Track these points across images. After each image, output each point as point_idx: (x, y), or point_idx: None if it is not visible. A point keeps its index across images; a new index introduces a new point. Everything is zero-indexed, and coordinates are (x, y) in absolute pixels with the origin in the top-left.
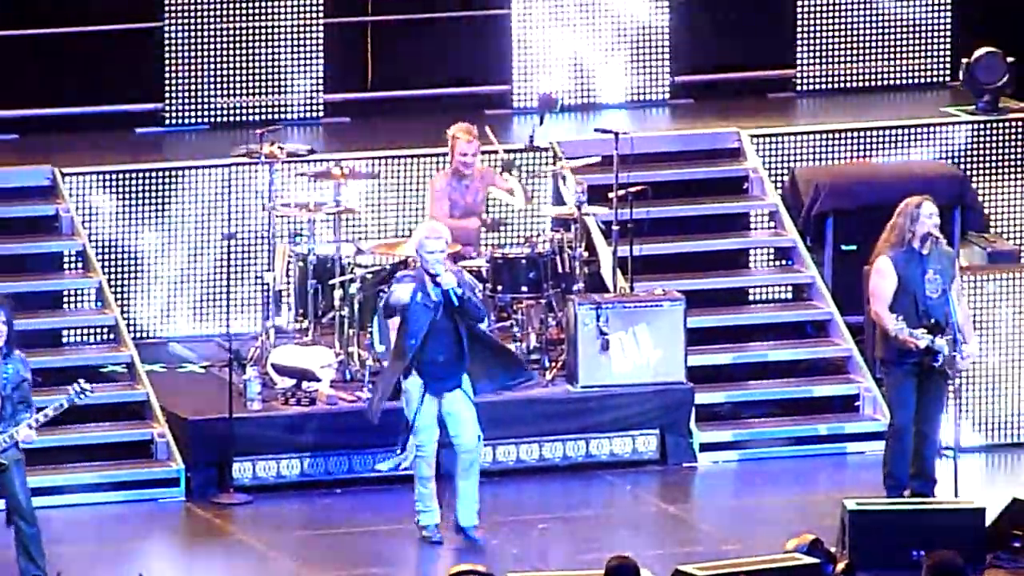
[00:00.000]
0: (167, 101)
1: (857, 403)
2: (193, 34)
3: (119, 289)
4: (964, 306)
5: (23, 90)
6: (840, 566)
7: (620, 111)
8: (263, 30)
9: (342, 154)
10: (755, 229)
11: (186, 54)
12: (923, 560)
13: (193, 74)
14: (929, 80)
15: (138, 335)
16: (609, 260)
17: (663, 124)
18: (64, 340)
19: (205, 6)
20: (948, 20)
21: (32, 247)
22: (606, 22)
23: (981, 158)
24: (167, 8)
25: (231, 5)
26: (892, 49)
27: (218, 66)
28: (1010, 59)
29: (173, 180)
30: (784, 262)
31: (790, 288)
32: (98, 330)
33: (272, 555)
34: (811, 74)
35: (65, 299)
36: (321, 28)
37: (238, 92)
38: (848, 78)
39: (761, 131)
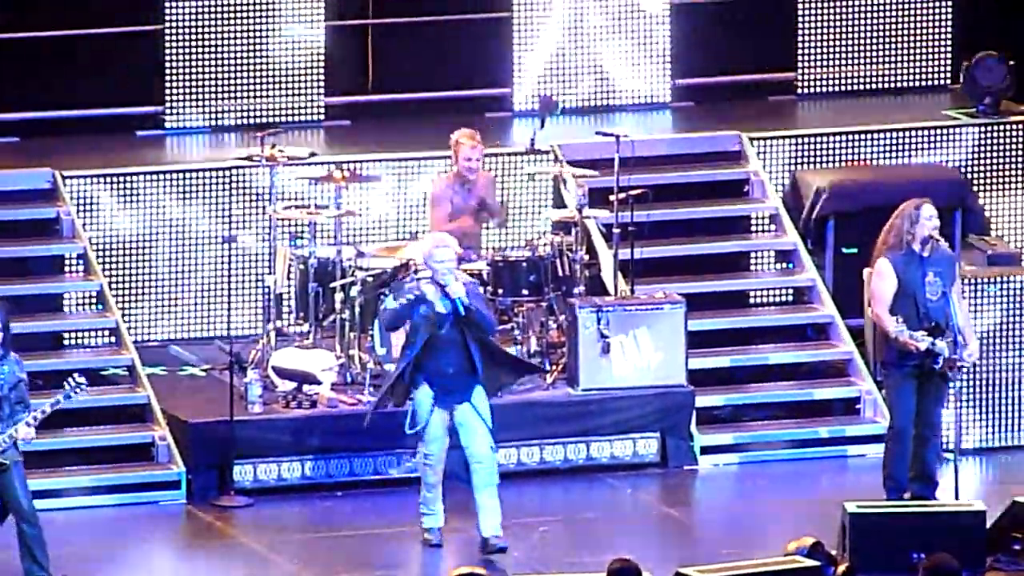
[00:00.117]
0: (168, 104)
1: (858, 406)
2: (194, 37)
3: (120, 292)
4: (964, 308)
5: (24, 93)
6: (840, 569)
7: (621, 114)
8: (264, 32)
9: (343, 157)
10: (756, 232)
11: (187, 57)
12: (920, 563)
13: (194, 77)
14: (930, 83)
15: (139, 338)
16: (610, 263)
17: (664, 127)
18: (65, 343)
19: (206, 9)
20: (949, 23)
21: (33, 250)
22: (607, 25)
23: (982, 161)
24: (168, 11)
25: (232, 8)
26: (893, 52)
27: (219, 69)
28: (1011, 62)
29: (174, 183)
30: (785, 265)
31: (791, 291)
32: (99, 333)
33: (273, 558)
34: (812, 77)
35: (66, 302)
36: (322, 30)
37: (239, 95)
38: (849, 81)
39: (762, 134)
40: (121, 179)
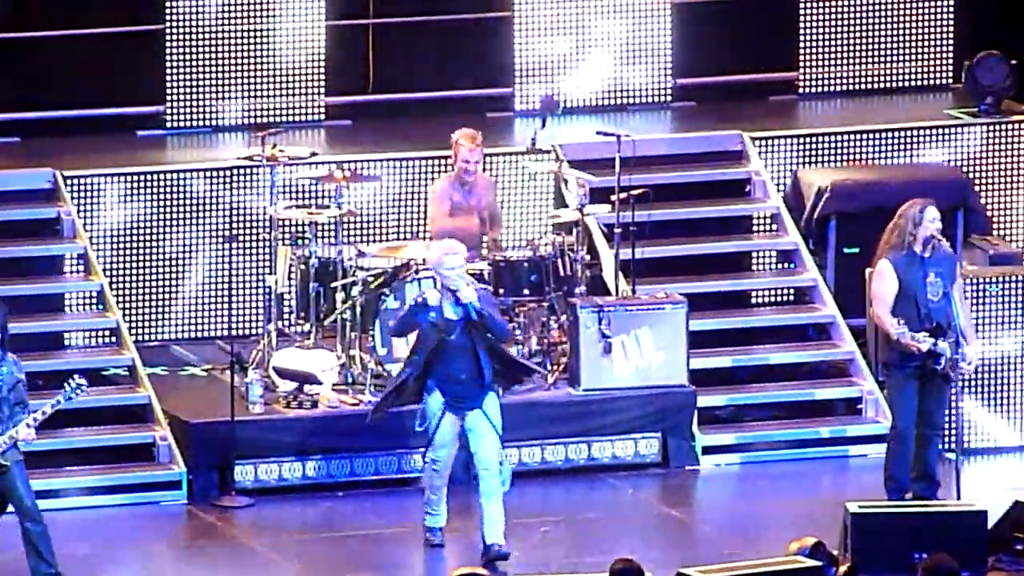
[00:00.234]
0: (168, 104)
1: (860, 406)
2: (194, 37)
3: (121, 292)
4: (966, 308)
5: (24, 93)
6: (842, 569)
7: (622, 114)
8: (264, 33)
9: (344, 157)
10: (757, 232)
11: (187, 57)
12: (918, 564)
13: (194, 77)
14: (932, 83)
15: (140, 338)
16: (611, 263)
17: (665, 127)
18: (65, 343)
19: (206, 8)
20: (951, 22)
21: (33, 250)
22: (608, 25)
23: (984, 161)
24: (168, 11)
25: (232, 7)
26: (895, 52)
27: (219, 69)
28: (1012, 61)
29: (174, 183)
30: (786, 265)
31: (792, 291)
32: (100, 333)
33: (274, 558)
34: (814, 77)
35: (67, 302)
36: (323, 30)
37: (239, 95)
38: (851, 81)
39: (763, 134)
40: (122, 179)
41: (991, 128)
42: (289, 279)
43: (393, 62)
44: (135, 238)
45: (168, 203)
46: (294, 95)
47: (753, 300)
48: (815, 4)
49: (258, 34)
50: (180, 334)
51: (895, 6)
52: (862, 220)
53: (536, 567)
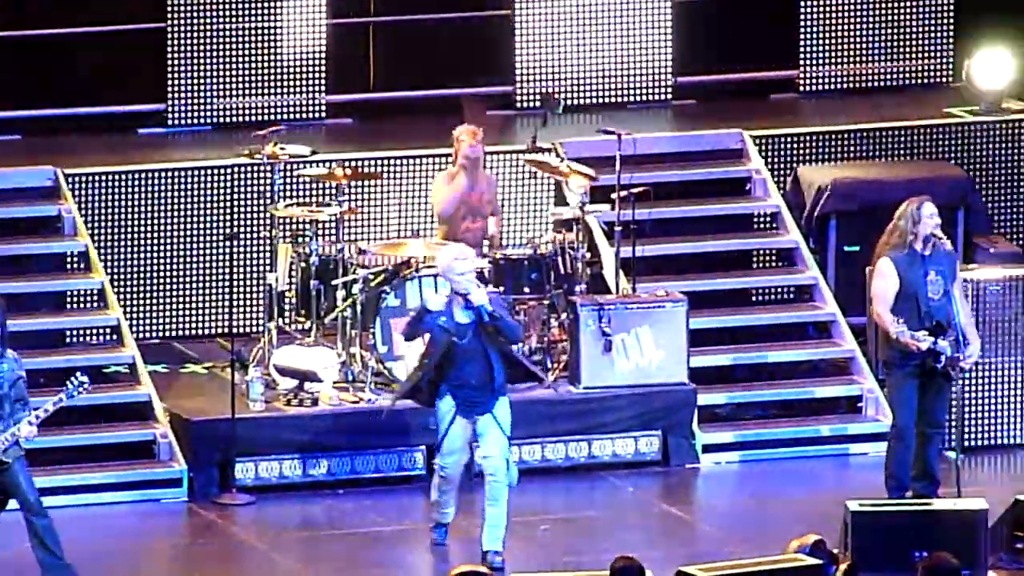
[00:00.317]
0: (170, 102)
1: (860, 404)
2: (196, 35)
3: (121, 290)
4: (967, 307)
5: (25, 91)
6: (842, 567)
7: (623, 112)
8: (266, 31)
9: (345, 155)
10: (757, 230)
11: (189, 55)
12: (918, 563)
13: (196, 75)
14: (932, 81)
15: (140, 335)
16: (611, 261)
17: (666, 125)
18: (66, 341)
19: (208, 7)
20: (951, 20)
21: (35, 247)
22: (609, 23)
23: (984, 159)
24: (170, 9)
25: (234, 6)
26: (895, 50)
27: (221, 67)
28: (1013, 60)
29: (175, 181)
30: (787, 263)
31: (792, 289)
32: (100, 330)
33: (274, 556)
34: (814, 75)
35: (67, 300)
36: (324, 29)
37: (241, 93)
38: (851, 79)
39: (764, 132)
40: (123, 177)
41: (991, 126)
42: (290, 277)
43: (394, 60)
44: (136, 236)
45: (169, 201)
46: (295, 93)
47: (753, 298)
48: (815, 2)
49: (259, 32)
50: (181, 332)
51: (895, 4)
52: (862, 219)
53: (536, 565)
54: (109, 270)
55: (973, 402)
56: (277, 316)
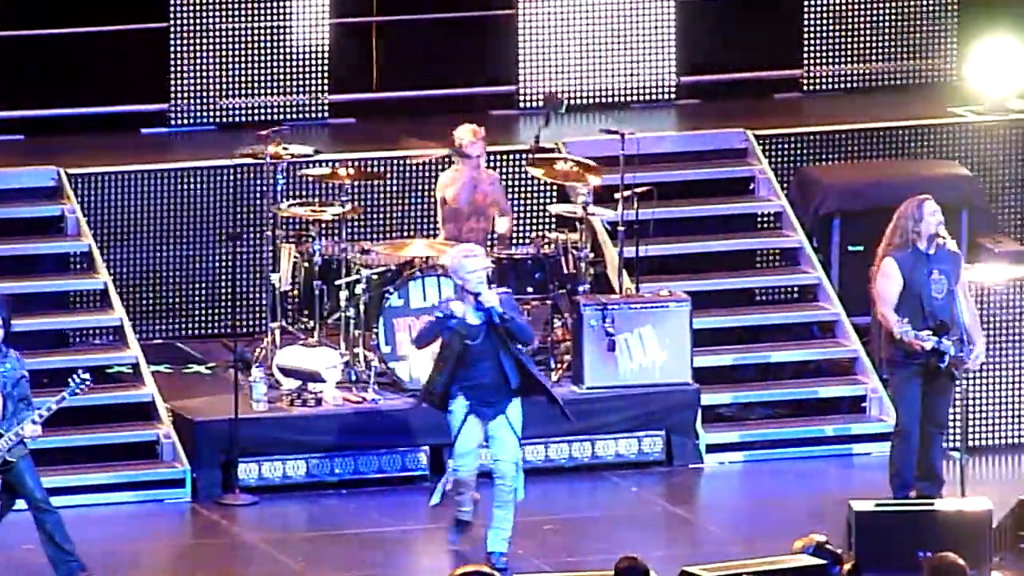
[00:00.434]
0: (173, 102)
1: (864, 404)
2: (199, 34)
3: (124, 290)
4: (971, 306)
5: (28, 91)
6: (846, 567)
7: (626, 111)
8: (269, 30)
9: (348, 155)
10: (761, 230)
11: (192, 54)
12: (923, 563)
13: (199, 75)
14: (936, 80)
15: (143, 336)
16: (615, 261)
17: (669, 124)
18: (69, 341)
19: (211, 6)
20: (955, 19)
21: (38, 248)
22: (612, 22)
23: (989, 158)
24: (173, 8)
25: (237, 5)
26: (899, 49)
27: (224, 67)
28: (1018, 58)
29: (178, 181)
30: (790, 263)
31: (796, 289)
32: (103, 331)
33: (277, 556)
34: (818, 74)
35: (70, 300)
36: (327, 28)
37: (244, 93)
38: (855, 78)
39: (767, 131)
40: (126, 177)
41: (996, 126)
42: (293, 277)
43: (397, 60)
44: (139, 236)
45: (172, 201)
46: (298, 93)
47: (757, 298)
48: (820, 1)
49: (263, 32)
50: (184, 332)
51: (900, 3)
52: (866, 218)
53: (540, 565)
54: (112, 270)
55: (977, 402)
56: (280, 316)
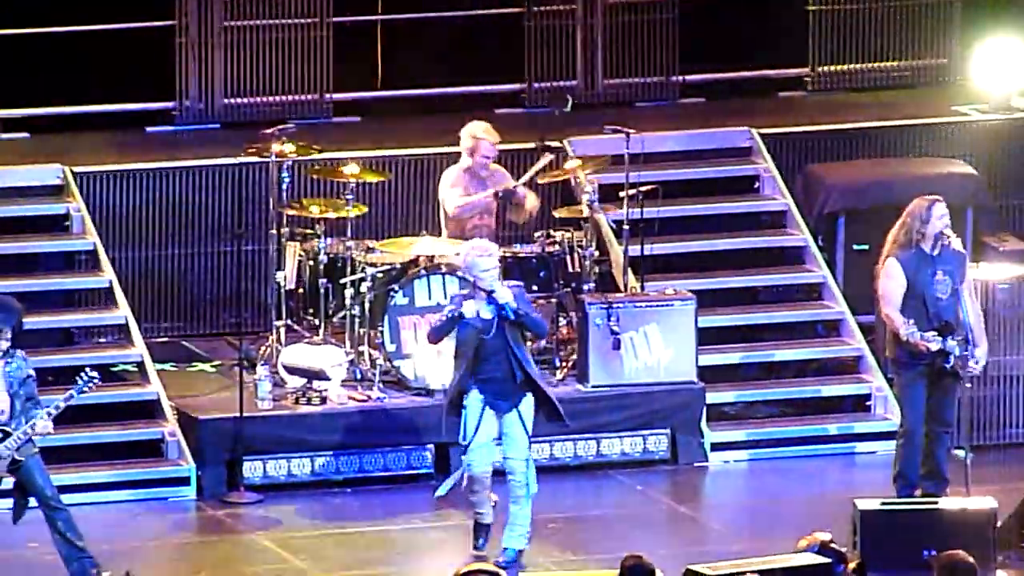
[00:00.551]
0: (178, 100)
1: (869, 403)
2: (204, 33)
3: (129, 288)
4: (976, 307)
5: (34, 89)
6: (851, 566)
7: (631, 110)
8: (273, 29)
9: (352, 153)
10: (766, 228)
11: (197, 53)
12: (932, 561)
13: (204, 73)
14: (941, 78)
15: (148, 334)
16: (620, 259)
17: (674, 123)
18: (74, 339)
19: (216, 5)
20: (959, 18)
21: (43, 246)
22: (616, 21)
23: (993, 157)
24: (178, 7)
25: (242, 4)
26: (904, 48)
27: (229, 65)
28: (1022, 57)
29: (183, 179)
30: (795, 262)
31: (802, 288)
32: (108, 329)
33: (282, 554)
34: (822, 73)
35: (76, 298)
36: (331, 26)
37: (249, 91)
38: (859, 77)
39: (772, 130)
40: (131, 175)
41: (1000, 124)
42: (298, 275)
43: (401, 58)
44: (144, 234)
45: (177, 199)
46: (303, 91)
47: (762, 297)
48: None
49: (267, 30)
50: (189, 330)
51: (904, 2)
52: (871, 217)
53: (544, 563)
54: (117, 268)
55: (982, 401)
56: (285, 314)
